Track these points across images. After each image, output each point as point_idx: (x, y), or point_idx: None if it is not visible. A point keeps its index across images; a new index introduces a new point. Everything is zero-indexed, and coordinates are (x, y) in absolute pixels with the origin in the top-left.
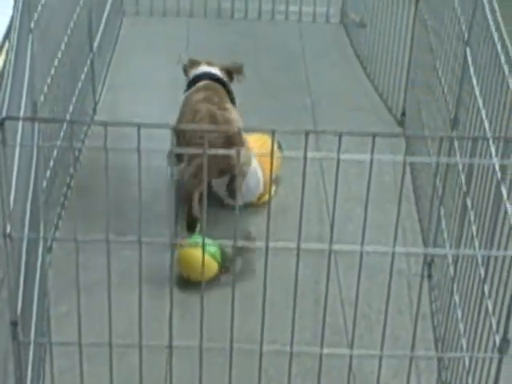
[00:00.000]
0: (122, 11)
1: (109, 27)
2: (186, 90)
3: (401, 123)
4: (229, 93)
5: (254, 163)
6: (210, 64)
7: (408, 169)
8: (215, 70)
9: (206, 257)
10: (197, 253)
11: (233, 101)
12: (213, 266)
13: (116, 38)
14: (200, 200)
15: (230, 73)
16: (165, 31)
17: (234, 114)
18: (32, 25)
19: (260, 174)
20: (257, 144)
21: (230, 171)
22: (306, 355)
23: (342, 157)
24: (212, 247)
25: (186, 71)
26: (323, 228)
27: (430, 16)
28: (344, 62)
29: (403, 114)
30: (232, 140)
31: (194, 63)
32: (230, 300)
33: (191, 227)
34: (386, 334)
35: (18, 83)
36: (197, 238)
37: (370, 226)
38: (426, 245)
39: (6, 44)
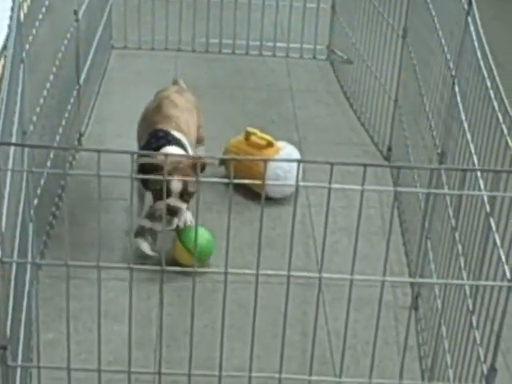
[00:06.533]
0: (110, 45)
1: (97, 60)
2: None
3: (387, 158)
4: None
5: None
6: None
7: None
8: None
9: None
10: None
11: None
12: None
13: (104, 71)
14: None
15: None
16: (153, 65)
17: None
18: (24, 55)
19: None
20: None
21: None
22: (294, 382)
23: (334, 186)
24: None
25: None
26: (309, 261)
27: (417, 54)
28: (331, 97)
29: (389, 149)
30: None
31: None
32: (219, 326)
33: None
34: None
35: (10, 111)
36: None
37: (356, 258)
38: (412, 277)
39: None
